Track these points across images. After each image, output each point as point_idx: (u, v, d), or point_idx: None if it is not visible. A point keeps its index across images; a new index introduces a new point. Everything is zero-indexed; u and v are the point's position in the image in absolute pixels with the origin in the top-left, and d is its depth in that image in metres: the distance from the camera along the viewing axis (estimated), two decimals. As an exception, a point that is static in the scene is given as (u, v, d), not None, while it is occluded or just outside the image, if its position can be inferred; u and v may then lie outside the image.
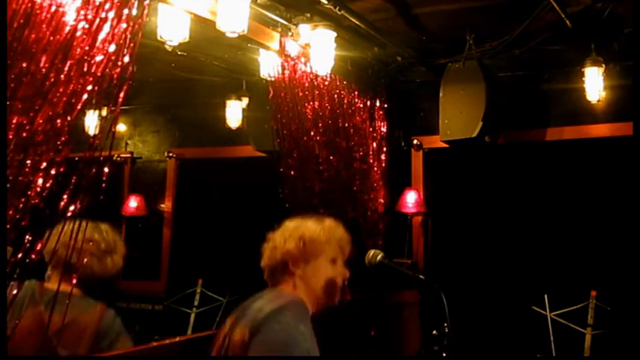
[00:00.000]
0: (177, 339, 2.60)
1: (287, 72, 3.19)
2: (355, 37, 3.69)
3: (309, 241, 1.97)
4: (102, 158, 1.84)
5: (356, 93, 3.92)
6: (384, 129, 4.26)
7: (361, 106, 3.98)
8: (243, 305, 1.93)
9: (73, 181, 1.81)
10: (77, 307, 2.08)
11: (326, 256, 1.97)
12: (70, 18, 1.79)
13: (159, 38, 2.50)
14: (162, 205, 5.41)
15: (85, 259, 2.07)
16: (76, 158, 1.84)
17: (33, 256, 1.78)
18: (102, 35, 1.86)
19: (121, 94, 1.91)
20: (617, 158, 4.06)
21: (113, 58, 1.88)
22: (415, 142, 4.72)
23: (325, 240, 1.97)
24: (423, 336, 4.23)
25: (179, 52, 3.48)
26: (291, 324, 1.80)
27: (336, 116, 3.65)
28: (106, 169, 1.85)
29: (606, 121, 4.26)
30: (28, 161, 1.69)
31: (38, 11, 1.71)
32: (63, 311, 1.98)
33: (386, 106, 4.30)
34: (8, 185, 1.63)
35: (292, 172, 3.24)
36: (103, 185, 1.86)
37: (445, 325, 1.87)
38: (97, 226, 2.22)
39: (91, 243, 2.12)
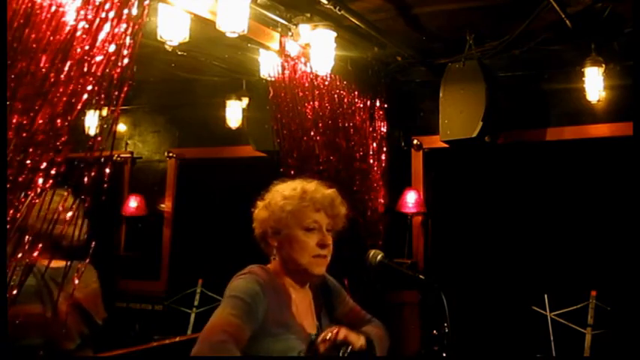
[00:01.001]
0: (177, 339, 2.61)
1: (287, 72, 3.19)
2: (355, 37, 3.69)
3: (276, 211, 1.88)
4: (102, 158, 1.84)
5: (356, 93, 3.92)
6: (384, 129, 4.26)
7: (361, 106, 3.98)
8: None
9: (72, 181, 1.82)
10: (87, 275, 2.19)
11: (297, 225, 1.86)
12: (70, 18, 1.79)
13: (159, 38, 2.50)
14: (162, 205, 5.41)
15: (63, 228, 2.03)
16: (76, 159, 1.84)
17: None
18: (102, 35, 1.86)
19: (121, 94, 1.91)
20: (617, 158, 4.06)
21: (113, 58, 1.88)
22: (415, 142, 4.72)
23: (291, 209, 1.86)
24: (423, 336, 4.23)
25: (179, 52, 3.48)
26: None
27: (336, 116, 3.65)
28: (107, 170, 1.85)
29: (606, 121, 4.26)
30: (28, 161, 1.69)
31: (38, 11, 1.71)
32: (82, 285, 2.12)
33: (386, 106, 4.30)
34: (8, 185, 1.63)
35: (292, 172, 3.24)
36: (104, 185, 1.87)
37: (445, 325, 1.87)
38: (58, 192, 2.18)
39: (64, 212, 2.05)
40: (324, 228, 1.89)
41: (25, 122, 1.67)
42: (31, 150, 1.70)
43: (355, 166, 3.87)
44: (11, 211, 1.65)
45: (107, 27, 1.88)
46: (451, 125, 3.94)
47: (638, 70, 3.76)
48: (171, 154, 5.43)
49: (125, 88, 1.91)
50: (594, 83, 3.93)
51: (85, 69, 1.82)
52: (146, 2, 2.00)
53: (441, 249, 4.74)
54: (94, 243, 2.13)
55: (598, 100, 4.00)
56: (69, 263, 2.05)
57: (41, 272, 2.03)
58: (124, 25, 1.91)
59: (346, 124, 3.77)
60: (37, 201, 1.76)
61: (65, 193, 1.99)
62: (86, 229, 2.17)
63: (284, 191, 1.91)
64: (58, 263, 2.02)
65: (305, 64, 3.28)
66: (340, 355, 1.74)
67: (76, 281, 2.11)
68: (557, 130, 4.43)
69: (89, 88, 1.82)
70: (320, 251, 1.86)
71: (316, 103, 3.41)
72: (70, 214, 2.00)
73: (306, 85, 3.34)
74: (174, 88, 4.95)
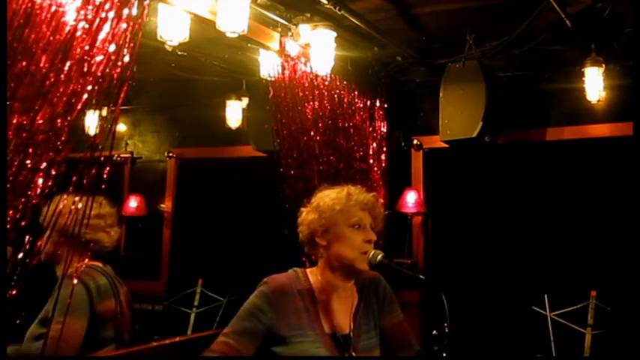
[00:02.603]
0: (178, 339, 2.60)
1: (287, 72, 3.19)
2: (355, 37, 3.69)
3: (326, 211, 2.03)
4: (102, 158, 1.84)
5: (356, 93, 3.92)
6: (384, 129, 4.25)
7: (361, 106, 3.98)
8: None
9: (73, 181, 1.82)
10: (117, 276, 2.42)
11: (345, 222, 2.01)
12: (70, 18, 1.79)
13: (159, 38, 2.50)
14: (162, 205, 5.41)
15: (98, 234, 2.30)
16: (76, 158, 1.84)
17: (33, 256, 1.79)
18: (102, 35, 1.86)
19: (121, 94, 1.91)
20: (617, 158, 4.06)
21: (113, 58, 1.87)
22: (415, 142, 4.72)
23: (340, 208, 2.02)
24: (423, 336, 4.23)
25: (179, 52, 3.48)
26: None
27: (336, 116, 3.65)
28: (106, 170, 1.85)
29: (606, 121, 4.26)
30: (28, 161, 1.69)
31: (38, 11, 1.71)
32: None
33: (386, 106, 4.30)
34: (8, 185, 1.63)
35: (292, 172, 3.24)
36: (103, 186, 1.87)
37: (445, 325, 1.87)
38: (96, 199, 2.27)
39: (98, 219, 2.31)
40: (368, 226, 2.05)
41: (25, 122, 1.67)
42: (31, 150, 1.69)
43: (355, 166, 3.87)
44: (11, 212, 1.65)
45: (107, 27, 1.87)
46: (451, 125, 3.94)
47: (638, 70, 3.76)
48: (171, 154, 5.43)
49: (125, 88, 1.91)
50: (594, 83, 3.93)
51: (85, 69, 1.81)
52: (146, 2, 2.00)
53: (441, 249, 4.73)
54: (92, 244, 2.25)
55: (598, 100, 3.99)
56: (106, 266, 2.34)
57: (109, 273, 2.34)
58: (123, 25, 1.91)
59: (346, 124, 3.77)
60: (79, 206, 1.84)
61: (103, 201, 2.29)
62: (118, 235, 2.44)
63: (331, 194, 2.09)
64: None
65: (305, 64, 3.28)
66: None
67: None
68: (557, 130, 4.43)
69: (89, 88, 1.82)
70: (366, 247, 2.01)
71: (316, 103, 3.41)
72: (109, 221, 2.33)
73: (306, 85, 3.34)
74: (174, 88, 4.95)
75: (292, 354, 1.90)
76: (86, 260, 2.24)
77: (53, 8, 1.74)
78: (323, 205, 2.05)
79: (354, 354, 1.98)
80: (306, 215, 2.09)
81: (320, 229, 2.03)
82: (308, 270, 2.08)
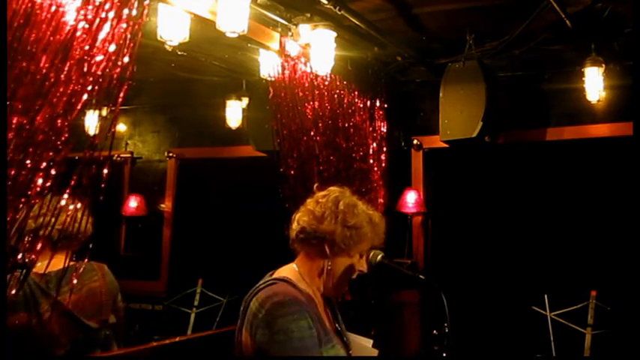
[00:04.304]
0: (177, 339, 2.60)
1: (287, 72, 3.19)
2: (355, 37, 3.69)
3: (357, 235, 1.90)
4: (102, 158, 1.84)
5: (356, 93, 3.92)
6: (384, 129, 4.25)
7: (361, 106, 3.98)
8: (245, 298, 1.90)
9: (73, 181, 1.81)
10: (85, 276, 2.21)
11: (359, 250, 1.94)
12: (70, 18, 1.79)
13: (159, 38, 2.50)
14: (162, 205, 5.41)
15: (68, 229, 2.06)
16: (76, 158, 1.84)
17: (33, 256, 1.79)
18: (102, 35, 1.86)
19: (121, 94, 1.91)
20: (617, 158, 4.06)
21: (113, 58, 1.88)
22: (415, 142, 4.72)
23: (370, 237, 1.92)
24: (423, 336, 4.23)
25: (179, 52, 3.48)
26: (282, 328, 1.75)
27: (336, 116, 3.65)
28: (106, 170, 1.85)
29: (606, 121, 4.26)
30: (28, 161, 1.69)
31: (38, 11, 1.71)
32: (78, 287, 2.14)
33: (386, 106, 4.30)
34: (9, 183, 1.63)
35: (292, 172, 3.24)
36: (103, 185, 1.87)
37: (445, 325, 1.87)
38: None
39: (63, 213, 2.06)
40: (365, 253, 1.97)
41: (25, 122, 1.67)
42: (31, 150, 1.69)
43: (355, 166, 3.87)
44: (11, 212, 1.65)
45: (107, 27, 1.87)
46: (451, 125, 3.94)
47: (638, 70, 3.76)
48: (171, 154, 5.43)
49: (125, 88, 1.91)
50: (594, 83, 3.93)
51: (85, 69, 1.81)
52: (146, 2, 2.00)
53: (441, 249, 4.74)
54: (91, 244, 2.14)
55: (598, 100, 3.99)
56: (66, 266, 2.07)
57: (27, 281, 2.00)
58: (123, 25, 1.91)
59: (346, 124, 3.77)
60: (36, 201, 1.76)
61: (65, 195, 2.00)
62: (89, 224, 2.16)
63: (364, 217, 1.93)
64: (52, 267, 2.02)
65: (305, 64, 3.28)
66: None
67: (74, 281, 2.14)
68: (557, 130, 4.43)
69: (89, 88, 1.82)
70: (354, 276, 1.94)
71: (316, 103, 3.41)
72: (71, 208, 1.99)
73: (306, 85, 3.34)
74: (174, 88, 4.95)
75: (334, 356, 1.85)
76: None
77: (53, 8, 1.74)
78: (357, 224, 1.89)
79: (351, 350, 1.99)
80: (327, 224, 1.89)
81: (339, 246, 1.89)
82: (288, 276, 1.92)
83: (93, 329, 2.21)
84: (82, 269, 2.21)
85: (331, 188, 2.02)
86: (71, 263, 2.16)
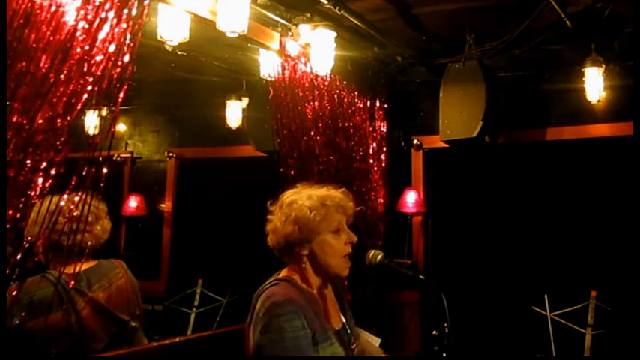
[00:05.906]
0: (177, 339, 2.61)
1: (287, 72, 3.19)
2: (355, 37, 3.69)
3: (306, 223, 1.97)
4: (102, 158, 1.84)
5: (356, 93, 3.92)
6: (384, 129, 4.26)
7: (361, 106, 3.98)
8: (255, 294, 1.98)
9: (73, 181, 1.82)
10: (111, 273, 2.33)
11: (327, 230, 1.98)
12: (70, 18, 1.79)
13: (159, 38, 2.50)
14: (163, 205, 5.41)
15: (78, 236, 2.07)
16: (77, 158, 1.84)
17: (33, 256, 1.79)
18: (102, 35, 1.86)
19: (121, 94, 1.91)
20: (617, 158, 4.06)
21: (113, 58, 1.87)
22: (415, 142, 4.72)
23: (320, 218, 1.97)
24: (423, 336, 4.23)
25: (179, 52, 3.48)
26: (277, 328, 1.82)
27: (336, 116, 3.65)
28: (106, 170, 1.85)
29: (606, 121, 4.26)
30: (28, 161, 1.69)
31: (38, 11, 1.71)
32: (107, 284, 2.26)
33: (386, 106, 4.30)
34: (9, 183, 1.63)
35: (292, 172, 3.24)
36: (102, 185, 1.87)
37: (445, 325, 1.87)
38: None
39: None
40: (346, 226, 2.03)
41: (25, 122, 1.67)
42: (31, 150, 1.69)
43: (355, 166, 3.87)
44: (11, 212, 1.65)
45: (107, 27, 1.87)
46: (451, 125, 3.94)
47: (638, 70, 3.76)
48: (171, 154, 5.43)
49: (125, 88, 1.91)
50: (594, 83, 3.93)
51: (85, 69, 1.81)
52: (146, 2, 2.00)
53: (441, 249, 4.73)
54: (90, 244, 2.18)
55: (598, 100, 3.99)
56: (81, 267, 2.13)
57: (60, 282, 2.11)
58: (123, 25, 1.91)
59: (346, 124, 3.77)
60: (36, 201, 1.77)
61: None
62: (106, 229, 2.36)
63: (304, 202, 2.00)
64: (81, 267, 2.11)
65: (305, 64, 3.28)
66: None
67: (99, 282, 2.25)
68: (557, 130, 4.42)
69: (89, 88, 1.81)
70: (347, 249, 2.00)
71: (316, 103, 3.41)
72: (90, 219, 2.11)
73: (306, 85, 3.34)
74: (174, 88, 4.95)
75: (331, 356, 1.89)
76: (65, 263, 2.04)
77: (53, 8, 1.74)
78: (301, 217, 1.97)
79: (354, 346, 2.02)
80: (282, 227, 1.99)
81: (301, 241, 1.98)
82: (291, 276, 2.01)
83: (125, 322, 2.32)
84: (99, 266, 2.32)
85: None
86: (95, 262, 2.31)
